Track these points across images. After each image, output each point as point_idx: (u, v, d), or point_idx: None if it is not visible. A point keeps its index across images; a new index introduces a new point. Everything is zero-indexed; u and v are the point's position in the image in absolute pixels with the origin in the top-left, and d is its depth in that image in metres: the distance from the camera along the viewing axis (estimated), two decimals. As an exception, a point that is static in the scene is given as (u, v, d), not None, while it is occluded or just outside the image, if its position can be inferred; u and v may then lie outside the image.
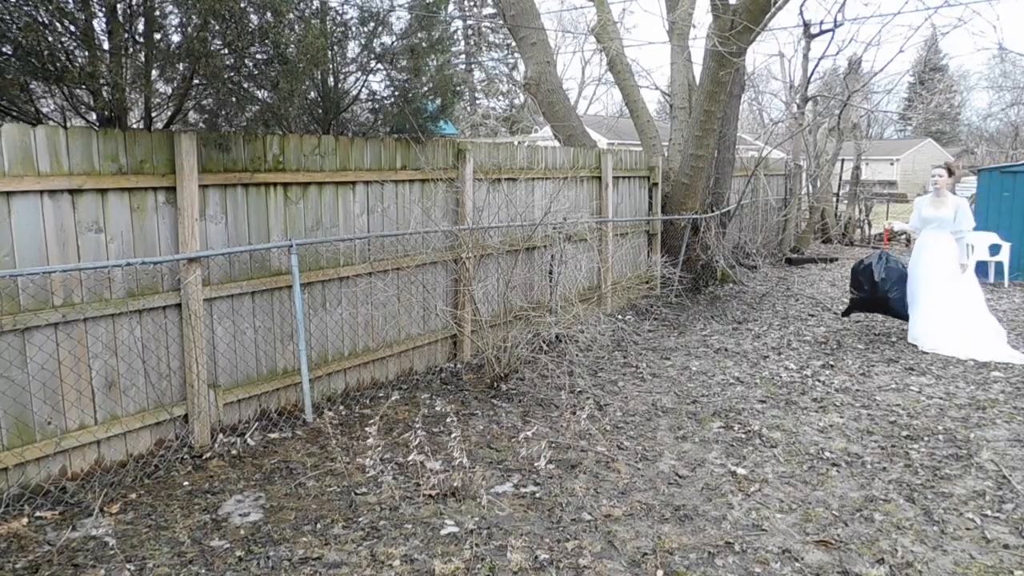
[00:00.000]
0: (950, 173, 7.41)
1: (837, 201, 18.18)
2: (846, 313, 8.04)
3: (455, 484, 4.06)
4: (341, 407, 5.29)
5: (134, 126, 5.07)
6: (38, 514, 3.66)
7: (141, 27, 4.49)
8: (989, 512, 3.84)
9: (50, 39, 4.04)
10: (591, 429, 4.94)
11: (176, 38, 4.56)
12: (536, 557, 3.36)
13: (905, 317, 7.47)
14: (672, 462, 4.49)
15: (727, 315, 8.81)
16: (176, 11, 4.49)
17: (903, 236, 17.22)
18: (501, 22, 14.62)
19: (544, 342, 6.57)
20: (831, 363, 6.66)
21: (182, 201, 4.29)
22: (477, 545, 3.46)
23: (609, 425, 5.09)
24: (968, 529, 3.67)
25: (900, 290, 7.40)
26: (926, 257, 7.31)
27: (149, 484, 4.05)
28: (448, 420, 4.85)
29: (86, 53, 4.21)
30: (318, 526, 3.65)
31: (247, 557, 3.35)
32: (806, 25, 14.14)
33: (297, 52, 4.48)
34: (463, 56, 31.87)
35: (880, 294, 7.43)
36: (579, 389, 5.84)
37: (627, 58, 10.23)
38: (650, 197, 9.42)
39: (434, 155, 6.05)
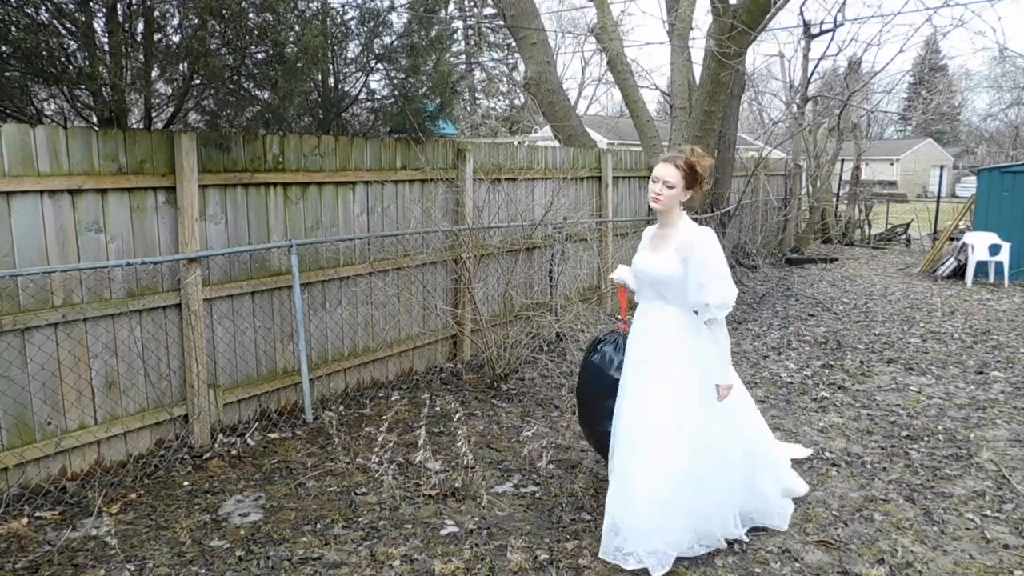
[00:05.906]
0: (690, 177, 3.34)
1: (837, 201, 18.20)
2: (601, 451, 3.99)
3: (455, 484, 4.06)
4: (341, 407, 5.29)
5: (134, 126, 5.07)
6: (38, 514, 3.66)
7: (141, 27, 4.49)
8: (989, 512, 3.84)
9: (50, 41, 4.03)
10: (591, 429, 4.94)
11: (176, 38, 4.56)
12: (536, 557, 3.36)
13: None
14: (672, 462, 4.48)
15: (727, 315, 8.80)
16: (175, 11, 4.49)
17: (906, 236, 16.76)
18: (501, 22, 14.62)
19: (544, 342, 6.57)
20: (831, 363, 6.65)
21: (182, 201, 4.29)
22: (477, 545, 3.46)
23: (609, 425, 5.09)
24: (968, 529, 3.67)
25: None
26: (633, 359, 3.52)
27: (149, 484, 4.05)
28: (448, 420, 4.85)
29: (86, 54, 4.21)
30: (318, 526, 3.65)
31: (247, 557, 3.35)
32: (806, 25, 14.14)
33: (296, 51, 4.48)
34: (463, 56, 31.86)
35: (600, 428, 3.77)
36: (579, 389, 5.84)
37: (627, 58, 10.21)
38: (650, 197, 9.40)
39: (434, 155, 6.05)
